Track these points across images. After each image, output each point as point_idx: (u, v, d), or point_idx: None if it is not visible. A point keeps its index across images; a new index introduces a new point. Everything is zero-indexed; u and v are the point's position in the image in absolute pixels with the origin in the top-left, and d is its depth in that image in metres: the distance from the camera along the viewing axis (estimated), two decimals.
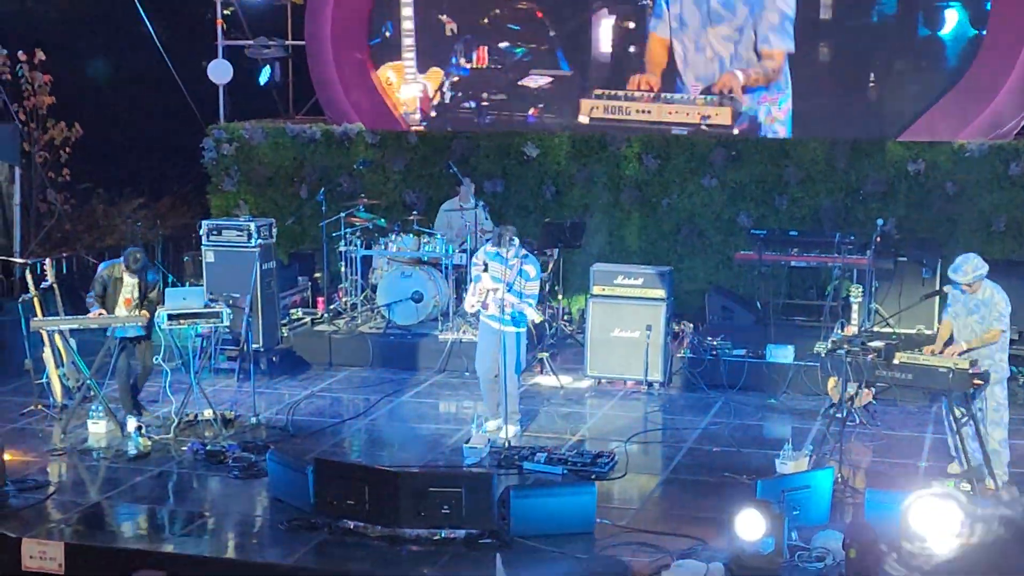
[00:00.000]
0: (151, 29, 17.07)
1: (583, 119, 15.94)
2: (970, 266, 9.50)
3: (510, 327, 10.77)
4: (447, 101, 16.52)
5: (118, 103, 17.72)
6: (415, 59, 16.49)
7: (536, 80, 16.27)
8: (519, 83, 16.31)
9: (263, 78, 17.32)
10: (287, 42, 17.48)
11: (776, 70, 15.32)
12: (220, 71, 17.08)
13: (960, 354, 9.47)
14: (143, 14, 17.03)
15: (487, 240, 11.62)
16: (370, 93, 16.68)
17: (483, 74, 16.43)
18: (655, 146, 15.24)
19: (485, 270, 10.77)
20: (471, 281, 11.19)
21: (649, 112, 15.69)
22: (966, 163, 14.33)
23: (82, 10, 17.82)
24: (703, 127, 15.44)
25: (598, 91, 15.94)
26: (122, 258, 11.24)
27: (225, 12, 17.32)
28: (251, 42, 17.22)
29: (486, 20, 16.44)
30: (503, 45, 16.37)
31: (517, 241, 10.77)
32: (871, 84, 15.56)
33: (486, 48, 16.39)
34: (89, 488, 9.74)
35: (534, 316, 11.12)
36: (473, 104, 16.42)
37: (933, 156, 14.44)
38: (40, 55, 16.71)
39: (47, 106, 16.83)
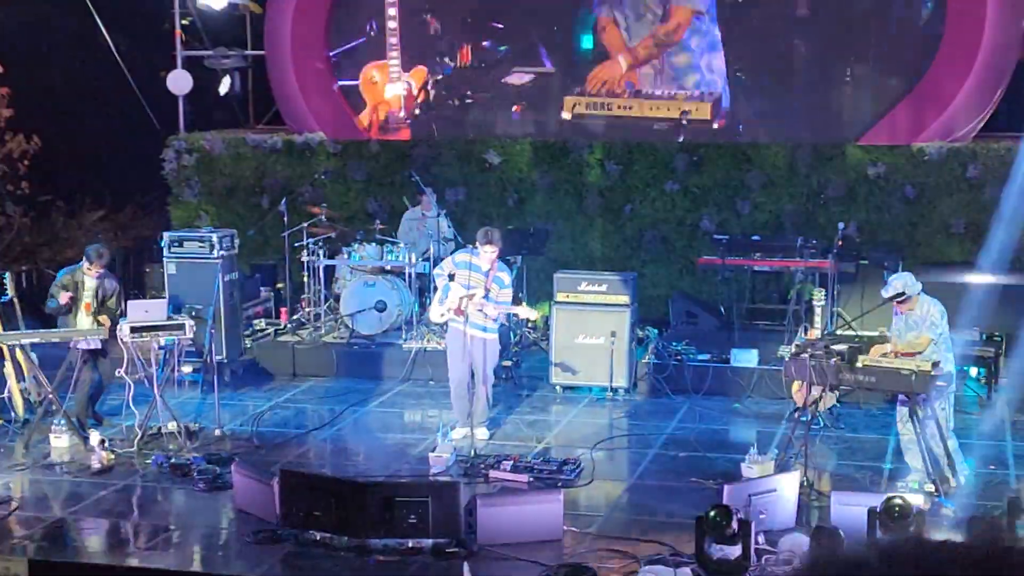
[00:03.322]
0: (109, 40, 16.94)
1: (566, 115, 15.84)
2: (900, 282, 9.44)
3: (489, 334, 10.81)
4: (431, 100, 16.34)
5: (77, 115, 17.56)
6: (399, 58, 16.25)
7: (520, 78, 16.11)
8: (502, 80, 16.14)
9: (223, 88, 17.22)
10: (247, 52, 17.39)
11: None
12: (179, 81, 16.98)
13: (884, 355, 9.52)
14: (101, 25, 16.90)
15: (460, 249, 11.62)
16: (331, 102, 16.61)
17: (466, 73, 16.23)
18: (617, 152, 15.27)
19: (451, 279, 10.78)
20: (435, 290, 11.17)
21: (631, 108, 15.63)
22: (925, 166, 14.45)
23: (40, 22, 17.66)
24: (684, 122, 15.39)
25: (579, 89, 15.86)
26: (85, 254, 11.20)
27: (184, 22, 17.23)
28: (210, 52, 17.13)
29: (469, 19, 16.33)
30: (486, 43, 16.23)
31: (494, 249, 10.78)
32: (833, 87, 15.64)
33: (469, 47, 16.21)
34: (52, 503, 9.65)
35: (528, 314, 11.21)
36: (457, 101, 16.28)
37: (893, 160, 14.56)
38: None
39: (5, 119, 16.68)
